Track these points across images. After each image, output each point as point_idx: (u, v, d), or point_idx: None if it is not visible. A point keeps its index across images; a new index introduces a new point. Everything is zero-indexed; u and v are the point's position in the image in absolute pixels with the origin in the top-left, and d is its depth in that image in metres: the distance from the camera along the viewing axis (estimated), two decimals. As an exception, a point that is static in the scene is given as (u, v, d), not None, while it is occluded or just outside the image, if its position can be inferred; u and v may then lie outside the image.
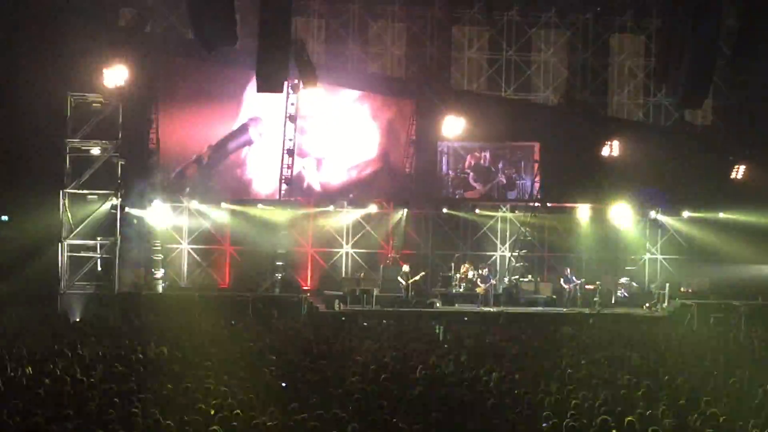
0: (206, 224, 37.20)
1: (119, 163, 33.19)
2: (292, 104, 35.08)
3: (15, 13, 33.72)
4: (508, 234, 39.81)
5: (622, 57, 41.32)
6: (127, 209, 34.16)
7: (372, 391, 17.29)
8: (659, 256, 40.59)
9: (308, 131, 37.95)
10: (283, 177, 35.98)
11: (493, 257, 39.74)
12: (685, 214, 39.36)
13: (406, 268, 36.11)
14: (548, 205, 38.54)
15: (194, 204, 36.66)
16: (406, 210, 38.05)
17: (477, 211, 39.32)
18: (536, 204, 38.51)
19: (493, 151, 39.18)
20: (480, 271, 36.84)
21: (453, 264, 37.65)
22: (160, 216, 35.62)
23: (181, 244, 37.39)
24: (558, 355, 23.10)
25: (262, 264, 37.06)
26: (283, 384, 18.01)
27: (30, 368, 18.91)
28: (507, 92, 40.83)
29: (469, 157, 38.91)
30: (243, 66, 35.48)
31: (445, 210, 38.96)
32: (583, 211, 39.13)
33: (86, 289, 33.11)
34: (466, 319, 33.14)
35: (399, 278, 35.72)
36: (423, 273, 36.37)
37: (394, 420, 14.93)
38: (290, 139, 35.49)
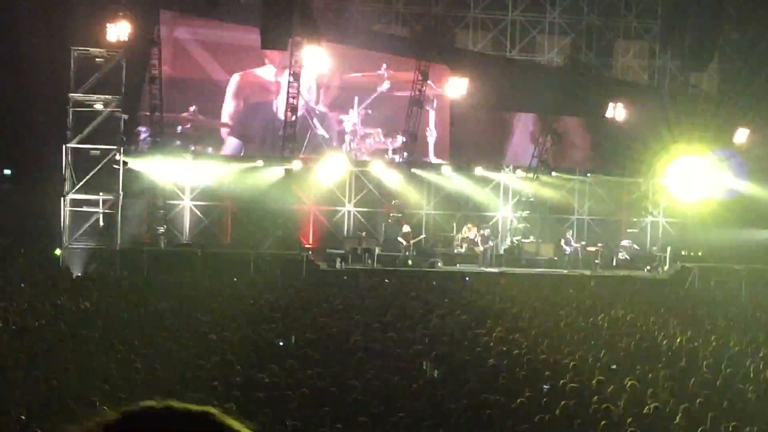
0: (208, 181, 37.08)
1: (122, 117, 33.09)
2: (296, 61, 34.88)
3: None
4: (510, 195, 39.72)
5: (628, 19, 41.08)
6: (129, 165, 34.08)
7: (373, 350, 17.39)
8: (661, 219, 40.55)
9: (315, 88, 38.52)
10: (286, 134, 35.85)
11: (495, 218, 39.70)
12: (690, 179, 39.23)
13: (406, 228, 36.11)
14: (550, 167, 38.43)
15: (197, 160, 36.54)
16: (409, 169, 37.88)
17: (480, 171, 39.17)
18: (539, 166, 38.37)
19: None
20: (482, 232, 36.87)
21: (455, 224, 37.67)
22: (162, 172, 35.53)
23: (183, 200, 37.34)
24: (558, 317, 23.17)
25: (264, 221, 37.06)
26: (281, 343, 18.07)
27: (32, 322, 18.98)
28: (511, 53, 40.65)
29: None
30: (248, 23, 35.67)
31: (449, 170, 38.79)
32: (585, 173, 39.09)
33: (88, 245, 33.12)
34: (468, 279, 33.20)
35: (400, 239, 35.76)
36: (423, 236, 36.37)
37: (396, 378, 15.01)
38: (293, 97, 35.32)
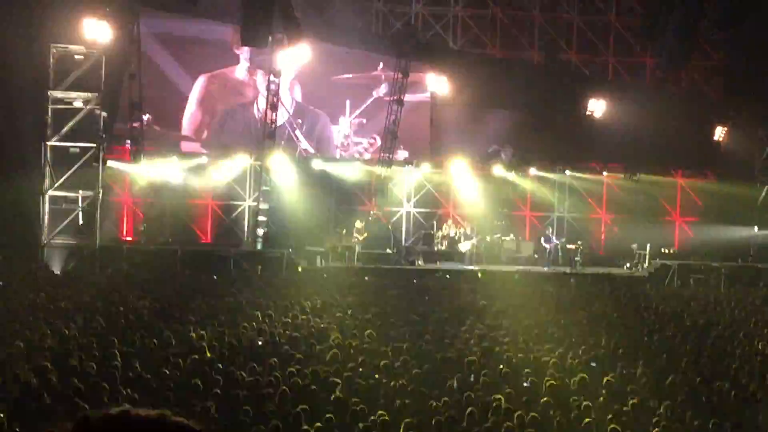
0: (189, 179, 36.92)
1: (102, 115, 32.94)
2: (276, 59, 34.72)
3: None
4: (491, 192, 39.70)
5: (609, 15, 41.21)
6: (109, 162, 33.94)
7: (354, 348, 17.38)
8: (639, 216, 40.64)
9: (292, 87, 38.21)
10: (267, 132, 35.66)
11: (475, 215, 39.67)
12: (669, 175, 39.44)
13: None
14: (530, 164, 38.52)
15: (176, 159, 36.35)
16: (390, 167, 37.80)
17: (459, 168, 39.19)
18: (518, 162, 38.42)
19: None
20: (463, 230, 36.93)
21: (435, 222, 37.69)
22: (142, 170, 35.40)
23: (163, 198, 37.16)
24: (538, 314, 23.21)
25: (244, 219, 37.08)
26: (259, 342, 18.04)
27: (12, 321, 18.88)
28: (492, 51, 40.71)
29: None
30: (227, 20, 35.45)
31: (428, 168, 38.81)
32: (565, 171, 39.21)
33: (67, 242, 32.97)
34: (448, 276, 33.22)
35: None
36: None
37: (376, 376, 15.01)
38: (273, 95, 35.17)
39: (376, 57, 38.47)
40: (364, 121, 38.74)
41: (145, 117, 35.20)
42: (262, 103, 36.17)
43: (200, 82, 37.75)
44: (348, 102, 38.61)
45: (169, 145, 36.81)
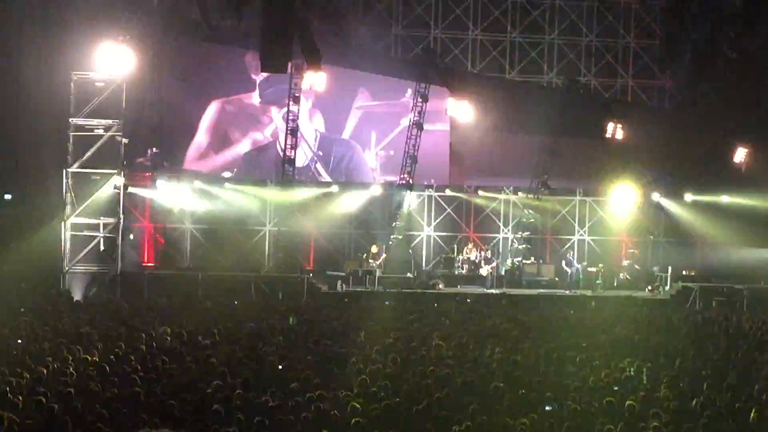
0: (210, 204, 37.06)
1: (122, 141, 33.10)
2: (296, 84, 34.82)
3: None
4: (510, 216, 39.69)
5: (627, 39, 41.22)
6: (130, 188, 34.10)
7: (375, 372, 17.34)
8: (661, 239, 40.52)
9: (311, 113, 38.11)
10: (286, 157, 35.72)
11: (496, 239, 39.69)
12: (688, 197, 39.29)
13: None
14: (551, 187, 38.40)
15: (198, 184, 36.48)
16: (409, 191, 37.77)
17: (480, 193, 39.23)
18: (539, 187, 38.33)
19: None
20: (483, 253, 36.90)
21: (455, 246, 37.65)
22: (163, 195, 35.56)
23: (184, 224, 37.32)
24: (560, 338, 23.10)
25: (265, 245, 37.16)
26: (280, 366, 18.02)
27: (33, 346, 18.94)
28: (511, 74, 40.76)
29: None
30: (245, 46, 35.50)
31: (448, 192, 38.86)
32: (586, 194, 39.14)
33: (89, 269, 33.10)
34: (468, 300, 33.15)
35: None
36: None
37: (398, 400, 14.97)
38: (293, 120, 35.23)
39: (404, 83, 37.87)
40: (392, 152, 38.29)
41: (151, 151, 35.23)
42: (283, 139, 35.78)
43: (212, 107, 37.67)
44: (374, 133, 38.27)
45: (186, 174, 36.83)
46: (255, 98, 38.21)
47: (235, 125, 38.16)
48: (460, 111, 36.78)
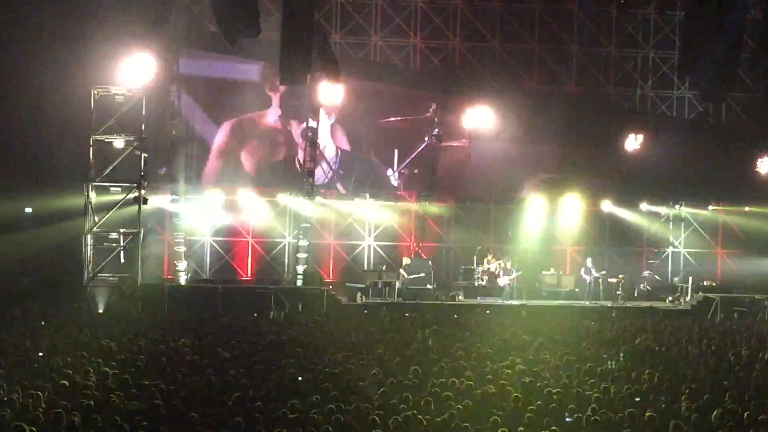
0: (229, 216, 37.18)
1: (143, 155, 33.20)
2: (315, 97, 34.83)
3: (40, 7, 33.91)
4: (531, 227, 39.51)
5: (646, 49, 41.12)
6: (150, 202, 34.20)
7: (395, 384, 17.34)
8: (682, 250, 40.40)
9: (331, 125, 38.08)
10: (306, 169, 35.76)
11: (515, 249, 39.51)
12: (710, 207, 39.18)
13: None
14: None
15: (217, 195, 36.58)
16: (429, 203, 37.80)
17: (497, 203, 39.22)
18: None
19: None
20: (503, 264, 36.82)
21: (475, 257, 37.60)
22: (183, 208, 35.70)
23: (203, 236, 37.43)
24: (580, 349, 23.04)
25: (284, 256, 37.26)
26: (299, 378, 18.03)
27: (55, 359, 19.01)
28: (530, 84, 40.71)
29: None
30: (265, 59, 35.53)
31: (467, 203, 38.88)
32: (605, 204, 39.05)
33: (109, 281, 33.19)
34: (488, 312, 33.09)
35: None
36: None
37: (416, 413, 14.95)
38: (311, 132, 35.27)
39: (428, 96, 37.50)
40: (416, 171, 37.93)
41: (162, 170, 35.08)
42: (302, 156, 35.64)
43: (224, 130, 37.49)
44: (396, 151, 37.91)
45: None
46: (271, 116, 37.99)
47: (248, 149, 37.90)
48: (479, 122, 36.56)
